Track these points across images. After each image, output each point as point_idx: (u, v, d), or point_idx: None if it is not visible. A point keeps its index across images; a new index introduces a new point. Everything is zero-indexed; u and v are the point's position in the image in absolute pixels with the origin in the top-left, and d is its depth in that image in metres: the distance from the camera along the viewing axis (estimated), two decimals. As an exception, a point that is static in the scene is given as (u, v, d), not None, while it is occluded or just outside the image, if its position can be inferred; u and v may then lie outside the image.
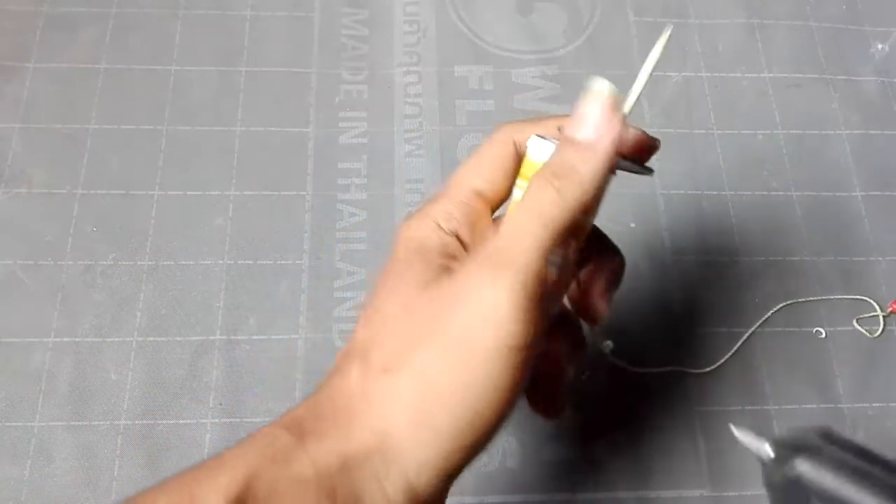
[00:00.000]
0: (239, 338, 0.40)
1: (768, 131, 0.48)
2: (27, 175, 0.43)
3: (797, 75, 0.50)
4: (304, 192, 0.44)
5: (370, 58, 0.49)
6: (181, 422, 0.38)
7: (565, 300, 0.25)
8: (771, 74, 0.50)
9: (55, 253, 0.41)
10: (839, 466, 0.22)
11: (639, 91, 0.22)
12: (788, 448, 0.23)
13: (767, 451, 0.24)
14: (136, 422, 0.38)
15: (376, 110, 0.47)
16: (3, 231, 0.42)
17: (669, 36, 0.22)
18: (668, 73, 0.50)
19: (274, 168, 0.45)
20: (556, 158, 0.20)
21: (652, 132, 0.26)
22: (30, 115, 0.45)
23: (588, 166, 0.20)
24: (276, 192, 0.44)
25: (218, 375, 0.39)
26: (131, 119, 0.45)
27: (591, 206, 0.20)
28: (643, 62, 0.22)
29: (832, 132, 0.49)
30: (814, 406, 0.40)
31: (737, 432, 0.25)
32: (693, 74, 0.50)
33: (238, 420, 0.38)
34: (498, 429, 0.21)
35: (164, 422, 0.38)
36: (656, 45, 0.22)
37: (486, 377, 0.19)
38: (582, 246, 0.23)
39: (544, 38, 0.50)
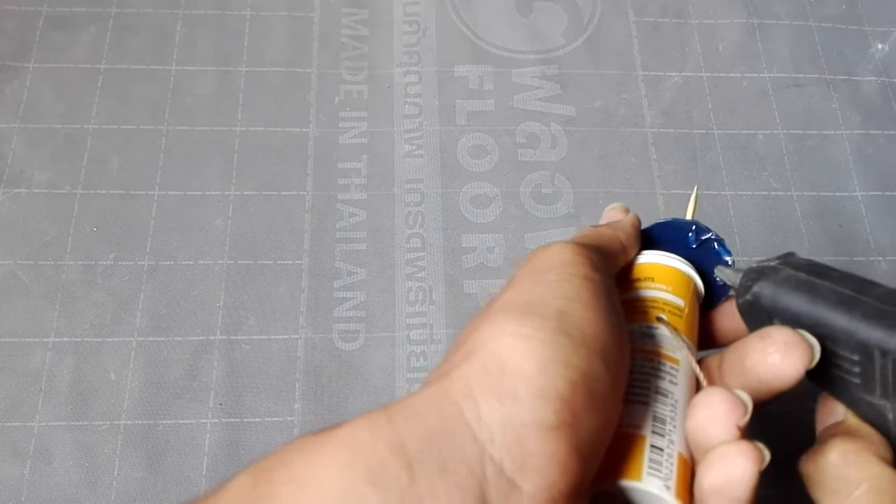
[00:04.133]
0: (239, 338, 0.40)
1: (768, 131, 0.48)
2: (27, 175, 0.43)
3: (797, 75, 0.50)
4: (304, 192, 0.44)
5: (370, 58, 0.49)
6: (181, 422, 0.38)
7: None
8: (771, 74, 0.50)
9: (55, 253, 0.41)
10: (792, 285, 0.23)
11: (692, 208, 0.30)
12: (753, 275, 0.25)
13: (737, 281, 0.26)
14: (136, 422, 0.38)
15: (376, 110, 0.47)
16: (3, 231, 0.42)
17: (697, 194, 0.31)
18: (668, 73, 0.50)
19: (274, 168, 0.45)
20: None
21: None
22: (30, 115, 0.45)
23: (610, 227, 0.28)
24: (276, 192, 0.44)
25: (218, 375, 0.39)
26: (131, 119, 0.45)
27: (609, 246, 0.27)
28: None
29: (832, 132, 0.49)
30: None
31: (717, 272, 0.28)
32: (693, 74, 0.50)
33: (238, 420, 0.38)
34: (597, 360, 0.20)
35: (164, 422, 0.38)
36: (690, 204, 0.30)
37: (560, 293, 0.22)
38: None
39: (544, 38, 0.50)
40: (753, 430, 0.21)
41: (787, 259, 0.25)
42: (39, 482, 0.36)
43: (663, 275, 0.27)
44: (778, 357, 0.22)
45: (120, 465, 0.37)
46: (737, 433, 0.21)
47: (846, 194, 0.47)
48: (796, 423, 0.25)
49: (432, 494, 0.17)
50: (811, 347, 0.22)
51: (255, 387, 0.39)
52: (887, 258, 0.45)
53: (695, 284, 0.27)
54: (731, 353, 0.24)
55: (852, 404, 0.23)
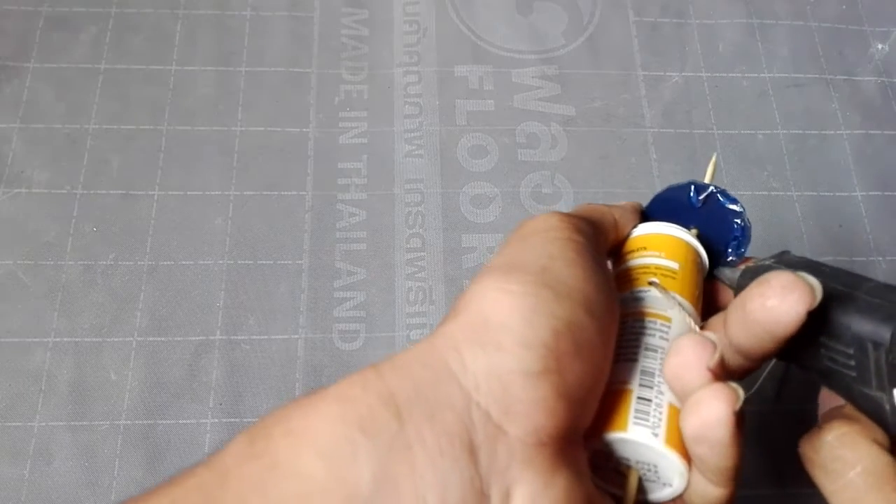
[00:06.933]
0: (239, 338, 0.40)
1: (768, 131, 0.48)
2: (27, 175, 0.43)
3: (797, 75, 0.50)
4: (304, 192, 0.44)
5: (370, 58, 0.49)
6: (181, 422, 0.38)
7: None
8: (771, 74, 0.50)
9: (55, 253, 0.41)
10: None
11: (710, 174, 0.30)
12: (749, 275, 0.25)
13: (735, 280, 0.26)
14: (136, 422, 0.38)
15: (376, 110, 0.47)
16: (3, 231, 0.42)
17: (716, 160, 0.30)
18: (668, 73, 0.50)
19: (274, 168, 0.45)
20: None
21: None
22: (30, 115, 0.45)
23: (605, 205, 0.28)
24: (276, 192, 0.44)
25: (218, 375, 0.39)
26: (131, 119, 0.45)
27: (601, 219, 0.27)
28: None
29: (832, 132, 0.49)
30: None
31: (716, 272, 0.28)
32: (693, 74, 0.50)
33: (238, 420, 0.38)
34: (581, 310, 0.20)
35: (164, 422, 0.38)
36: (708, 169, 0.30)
37: (544, 252, 0.22)
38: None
39: (544, 38, 0.50)
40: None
41: (782, 257, 0.25)
42: (39, 482, 0.36)
43: (655, 242, 0.28)
44: (776, 300, 0.21)
45: (120, 465, 0.37)
46: (708, 376, 0.21)
47: (846, 194, 0.47)
48: (804, 423, 0.25)
49: (420, 440, 0.18)
50: (811, 288, 0.21)
51: (255, 387, 0.39)
52: (887, 258, 0.45)
53: (689, 245, 0.28)
54: (733, 307, 0.24)
55: (851, 398, 0.23)
